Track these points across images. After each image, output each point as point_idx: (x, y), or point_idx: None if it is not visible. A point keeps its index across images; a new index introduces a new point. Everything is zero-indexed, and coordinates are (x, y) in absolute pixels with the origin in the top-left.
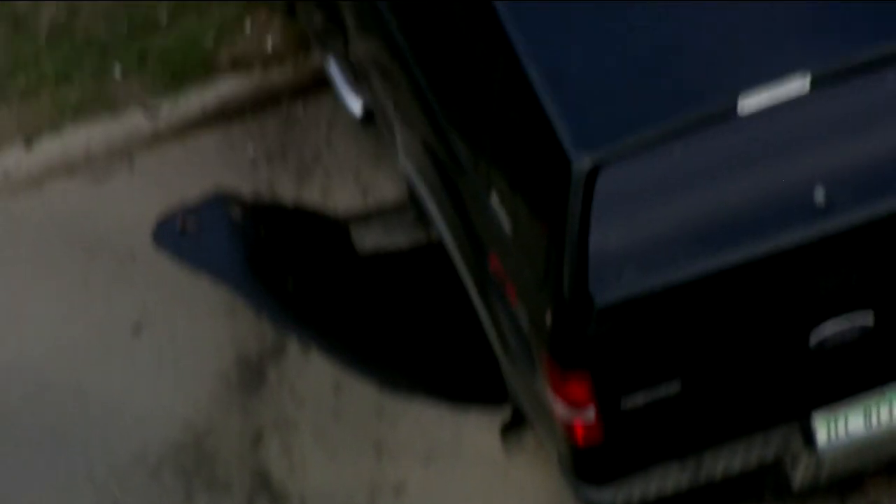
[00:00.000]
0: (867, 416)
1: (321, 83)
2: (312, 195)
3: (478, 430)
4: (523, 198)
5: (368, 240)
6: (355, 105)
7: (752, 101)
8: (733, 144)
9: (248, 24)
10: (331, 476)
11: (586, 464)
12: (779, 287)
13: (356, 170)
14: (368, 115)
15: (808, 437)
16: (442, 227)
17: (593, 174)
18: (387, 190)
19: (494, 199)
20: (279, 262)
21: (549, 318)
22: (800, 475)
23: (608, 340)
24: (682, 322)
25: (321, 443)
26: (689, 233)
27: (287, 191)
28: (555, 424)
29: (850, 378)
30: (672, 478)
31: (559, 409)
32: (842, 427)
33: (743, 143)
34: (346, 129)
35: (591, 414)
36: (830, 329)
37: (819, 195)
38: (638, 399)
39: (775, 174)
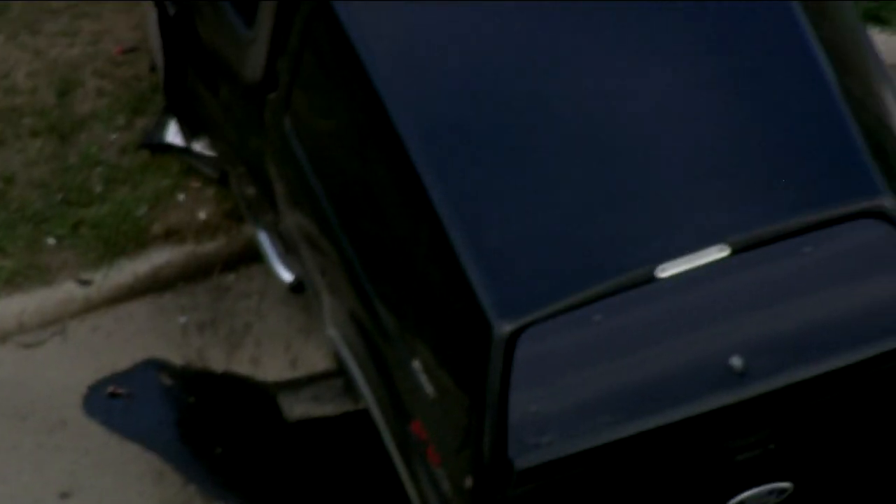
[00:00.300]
0: None
1: (253, 254)
2: (242, 364)
3: None
4: (445, 363)
5: (297, 408)
6: (286, 275)
7: (670, 268)
8: (652, 312)
9: (181, 195)
10: None
11: None
12: (697, 454)
13: (286, 340)
14: (299, 286)
15: None
16: (367, 394)
17: (513, 340)
18: (317, 360)
19: (417, 365)
20: (208, 430)
21: (469, 482)
22: None
23: (528, 503)
24: (600, 486)
25: None
26: (608, 397)
27: (217, 360)
28: None
29: None
30: None
31: None
32: None
33: (662, 310)
34: (277, 299)
35: None
36: (749, 499)
37: (736, 362)
38: None
39: (693, 341)
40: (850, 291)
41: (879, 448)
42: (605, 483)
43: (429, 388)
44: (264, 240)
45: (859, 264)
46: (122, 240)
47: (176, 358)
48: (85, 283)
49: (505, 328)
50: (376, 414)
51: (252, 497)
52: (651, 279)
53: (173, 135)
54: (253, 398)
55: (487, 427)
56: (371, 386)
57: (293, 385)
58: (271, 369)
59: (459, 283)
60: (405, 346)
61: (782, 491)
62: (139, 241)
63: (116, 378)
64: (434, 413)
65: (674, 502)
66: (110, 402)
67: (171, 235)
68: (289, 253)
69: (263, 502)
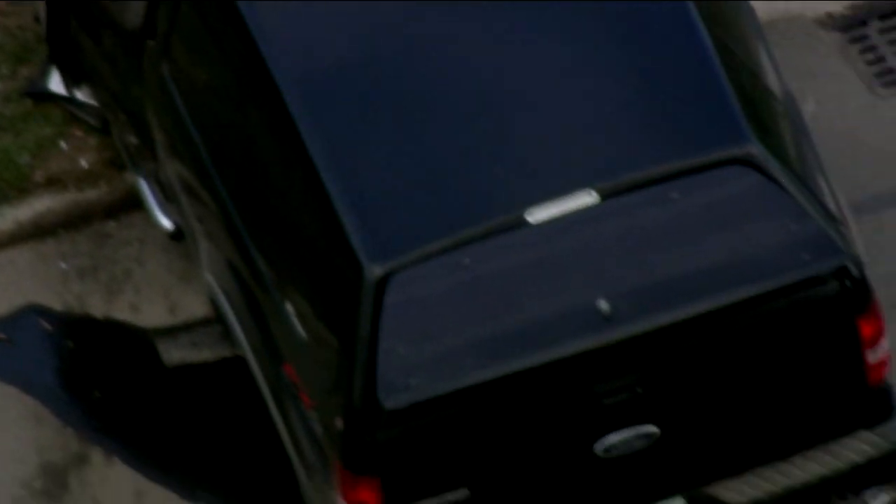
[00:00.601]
0: None
1: (134, 202)
2: (122, 310)
3: None
4: (317, 307)
5: (175, 353)
6: (166, 223)
7: (540, 212)
8: (522, 256)
9: (63, 143)
10: None
11: None
12: (564, 396)
13: (166, 287)
14: (178, 233)
15: None
16: (241, 338)
17: (383, 283)
18: (196, 306)
19: (290, 309)
20: (87, 374)
21: (339, 424)
22: None
23: (398, 446)
24: (469, 429)
25: None
26: (476, 339)
27: (97, 306)
28: None
29: (635, 490)
30: None
31: None
32: None
33: (531, 254)
34: (158, 247)
35: None
36: (616, 442)
37: (603, 305)
38: None
39: (561, 285)
40: (717, 237)
41: (745, 393)
42: (474, 425)
43: (301, 332)
44: (145, 188)
45: (727, 211)
46: (4, 187)
47: (56, 304)
48: None
49: (376, 271)
50: (250, 358)
51: (129, 440)
52: (521, 224)
53: (56, 84)
54: (132, 344)
55: (357, 370)
56: (245, 330)
57: (172, 331)
58: (150, 315)
59: (332, 228)
60: (278, 291)
61: (649, 435)
62: (21, 189)
63: None
64: (306, 356)
65: (542, 445)
66: None
67: (53, 183)
68: (168, 201)
69: (141, 446)
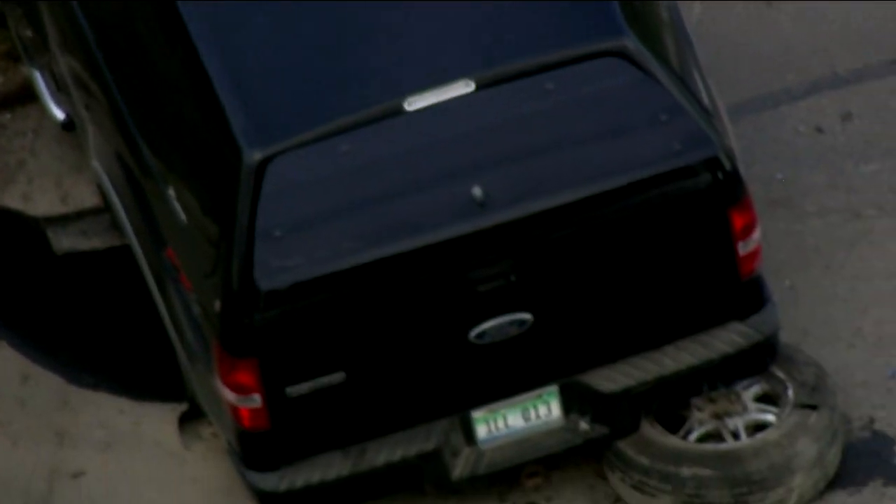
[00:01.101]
0: (525, 415)
1: (29, 94)
2: (14, 199)
3: (158, 421)
4: (198, 190)
5: (65, 241)
6: (58, 113)
7: (418, 101)
8: (399, 143)
9: None
10: (11, 462)
11: (253, 450)
12: (438, 283)
13: (58, 177)
14: (70, 124)
15: (469, 432)
16: (126, 224)
17: (263, 167)
18: (87, 196)
19: (172, 193)
20: None
21: (218, 306)
22: (459, 467)
23: (275, 329)
24: (344, 313)
25: (4, 430)
26: (353, 223)
27: None
28: (225, 412)
29: (510, 378)
30: (335, 466)
31: (227, 395)
32: (501, 423)
33: (409, 142)
34: (51, 138)
35: (257, 400)
36: (489, 329)
37: (477, 192)
38: (303, 388)
39: (437, 172)
40: (591, 128)
41: (617, 282)
42: (350, 310)
43: (182, 216)
44: (39, 79)
45: (601, 102)
46: None
47: None
48: None
49: (255, 155)
50: (134, 243)
51: (17, 326)
52: (399, 111)
53: None
54: (22, 232)
55: (235, 252)
56: (130, 215)
57: (62, 219)
58: (42, 205)
59: (214, 114)
60: (162, 177)
61: (523, 322)
62: None
63: None
64: (186, 240)
65: (418, 331)
66: None
67: None
68: (61, 92)
69: (28, 331)
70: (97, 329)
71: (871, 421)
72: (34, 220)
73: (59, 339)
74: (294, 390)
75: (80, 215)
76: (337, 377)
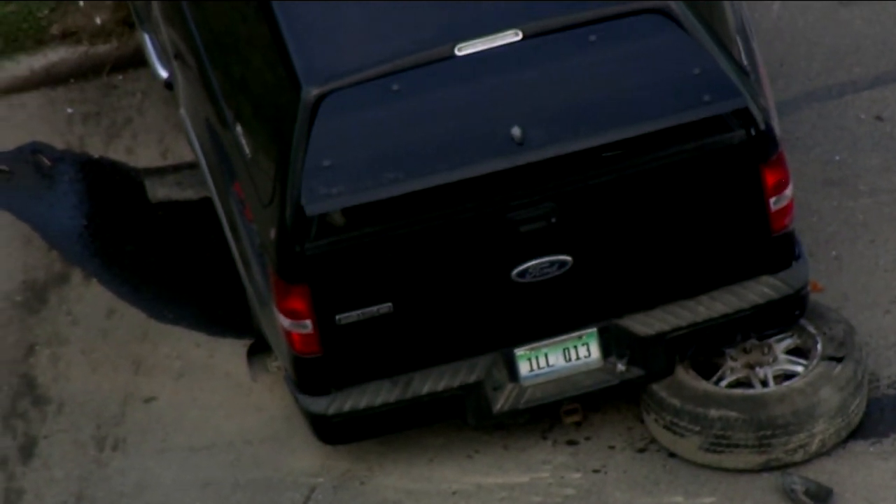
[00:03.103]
0: (566, 354)
1: (141, 59)
2: (118, 152)
3: (230, 354)
4: (261, 126)
5: (161, 190)
6: (162, 72)
7: (468, 47)
8: (448, 86)
9: (81, 1)
10: (90, 386)
11: (305, 375)
12: (480, 220)
13: (161, 134)
14: (171, 83)
15: (512, 368)
16: (202, 161)
17: (319, 102)
18: (186, 152)
19: (239, 129)
20: (77, 205)
21: (273, 234)
22: (501, 401)
23: (326, 256)
24: (391, 245)
25: (87, 357)
26: (400, 158)
27: (96, 147)
28: (281, 339)
29: (551, 318)
30: (382, 393)
31: (282, 321)
32: (543, 362)
33: (457, 85)
34: (159, 99)
35: (308, 326)
36: (531, 268)
37: (516, 132)
38: (352, 316)
39: (482, 113)
40: (629, 79)
41: (653, 231)
42: (397, 243)
43: (247, 150)
44: (148, 42)
45: (641, 55)
46: (22, 37)
47: (58, 143)
48: None
49: (312, 91)
50: (208, 179)
51: (109, 265)
52: (449, 56)
53: None
54: (122, 181)
55: (290, 182)
56: (206, 155)
57: (160, 171)
58: (143, 158)
59: (281, 57)
60: (233, 117)
61: (563, 263)
62: (38, 39)
63: (0, 156)
64: (250, 172)
65: (462, 268)
66: None
67: (69, 36)
68: (165, 53)
69: (118, 270)
70: (181, 270)
71: None
72: (134, 171)
73: (146, 278)
74: (343, 318)
75: (176, 168)
76: (385, 308)
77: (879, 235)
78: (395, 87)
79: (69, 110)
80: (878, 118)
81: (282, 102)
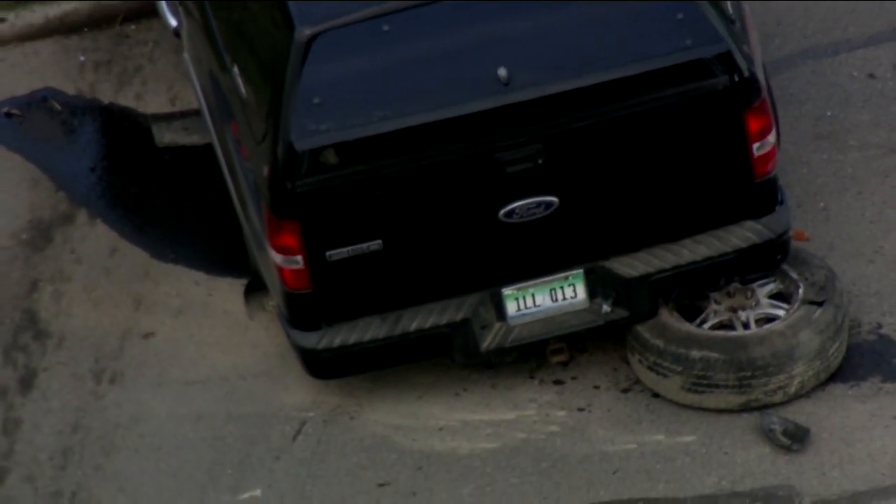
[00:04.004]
0: (553, 295)
1: (153, 10)
2: (127, 99)
3: (228, 293)
4: (256, 66)
5: (167, 135)
6: (172, 21)
7: None
8: (436, 28)
9: None
10: (91, 321)
11: (296, 310)
12: (468, 159)
13: (170, 82)
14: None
15: (499, 308)
16: (201, 101)
17: (311, 41)
18: (194, 100)
19: (236, 71)
20: (85, 149)
21: (266, 171)
22: (488, 339)
23: (316, 192)
24: (380, 182)
25: (88, 294)
26: (388, 96)
27: (106, 93)
28: (274, 275)
29: (538, 259)
30: (371, 329)
31: (274, 257)
32: (530, 301)
33: (444, 27)
34: (169, 48)
35: (299, 262)
36: (518, 209)
37: (502, 72)
38: (342, 252)
39: (468, 55)
40: (612, 25)
41: (637, 174)
42: (386, 181)
43: (242, 90)
44: None
45: (625, 2)
46: None
47: (69, 89)
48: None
49: (305, 31)
50: (207, 120)
51: (113, 205)
52: None
53: None
54: (130, 126)
55: (282, 119)
56: (205, 94)
57: (167, 117)
58: (152, 104)
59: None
60: (230, 58)
61: (549, 204)
62: None
63: (13, 101)
64: (245, 112)
65: (450, 207)
66: (4, 120)
67: None
68: (174, 4)
69: (123, 211)
70: (185, 213)
71: (879, 326)
72: (143, 116)
73: (149, 219)
74: (334, 254)
75: (183, 114)
76: (374, 245)
77: (866, 188)
78: (386, 28)
79: (81, 58)
80: (871, 76)
81: (276, 43)
